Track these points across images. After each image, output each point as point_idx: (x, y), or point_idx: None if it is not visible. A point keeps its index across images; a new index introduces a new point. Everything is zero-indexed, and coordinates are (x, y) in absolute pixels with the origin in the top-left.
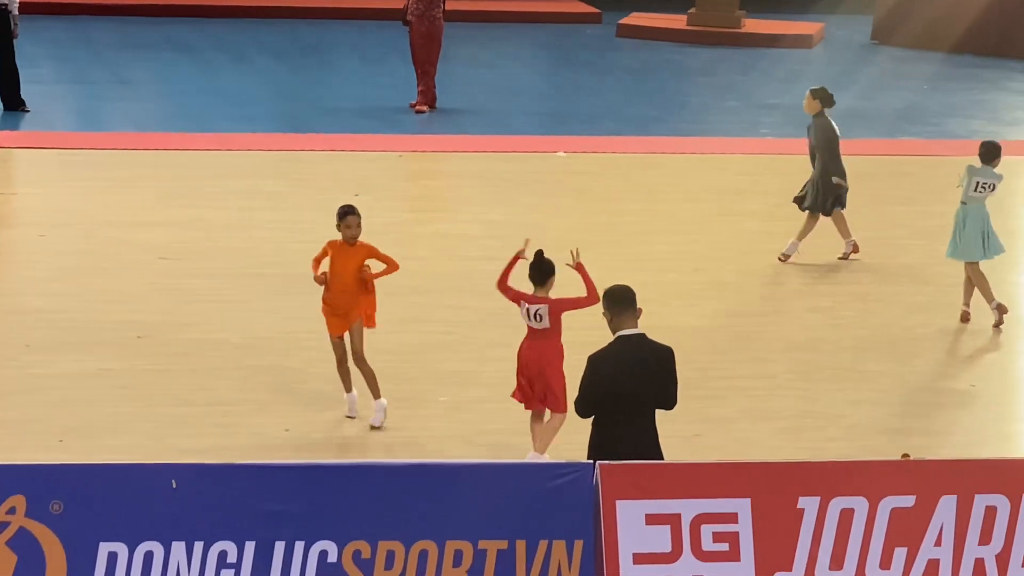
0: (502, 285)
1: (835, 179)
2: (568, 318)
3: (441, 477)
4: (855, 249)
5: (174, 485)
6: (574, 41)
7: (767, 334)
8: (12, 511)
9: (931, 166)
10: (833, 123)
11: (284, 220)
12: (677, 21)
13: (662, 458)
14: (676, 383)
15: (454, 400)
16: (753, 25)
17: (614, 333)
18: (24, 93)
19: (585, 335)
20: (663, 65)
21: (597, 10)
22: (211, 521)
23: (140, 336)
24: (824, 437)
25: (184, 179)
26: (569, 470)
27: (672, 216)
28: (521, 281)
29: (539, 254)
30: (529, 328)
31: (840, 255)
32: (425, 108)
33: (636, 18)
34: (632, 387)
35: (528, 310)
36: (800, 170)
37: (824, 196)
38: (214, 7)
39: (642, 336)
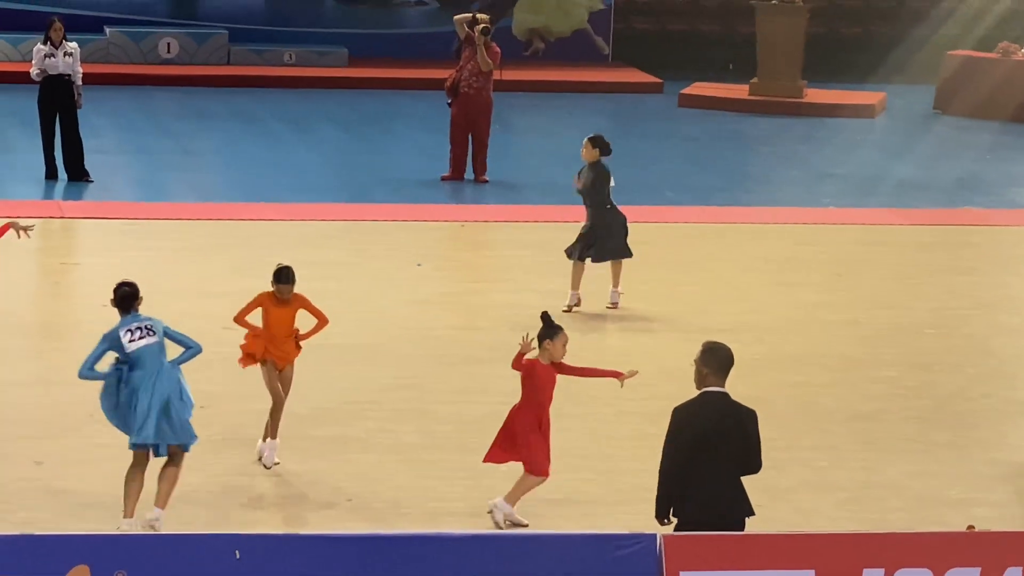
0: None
1: (585, 226)
2: (630, 389)
3: (505, 548)
4: (578, 303)
5: (237, 555)
6: (636, 110)
7: (829, 404)
8: None
9: (994, 236)
10: (609, 172)
11: (345, 290)
12: (739, 91)
13: (752, 512)
14: (759, 446)
15: (516, 470)
16: (815, 95)
17: (699, 388)
18: (88, 163)
19: (646, 405)
20: (724, 134)
21: (659, 79)
22: None
23: (203, 406)
24: (887, 508)
25: (246, 249)
26: (633, 541)
27: (732, 286)
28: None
29: (543, 315)
30: None
31: (565, 307)
32: (487, 179)
33: (698, 88)
34: (715, 441)
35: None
36: (862, 238)
37: (612, 240)
38: (276, 78)
39: (727, 395)
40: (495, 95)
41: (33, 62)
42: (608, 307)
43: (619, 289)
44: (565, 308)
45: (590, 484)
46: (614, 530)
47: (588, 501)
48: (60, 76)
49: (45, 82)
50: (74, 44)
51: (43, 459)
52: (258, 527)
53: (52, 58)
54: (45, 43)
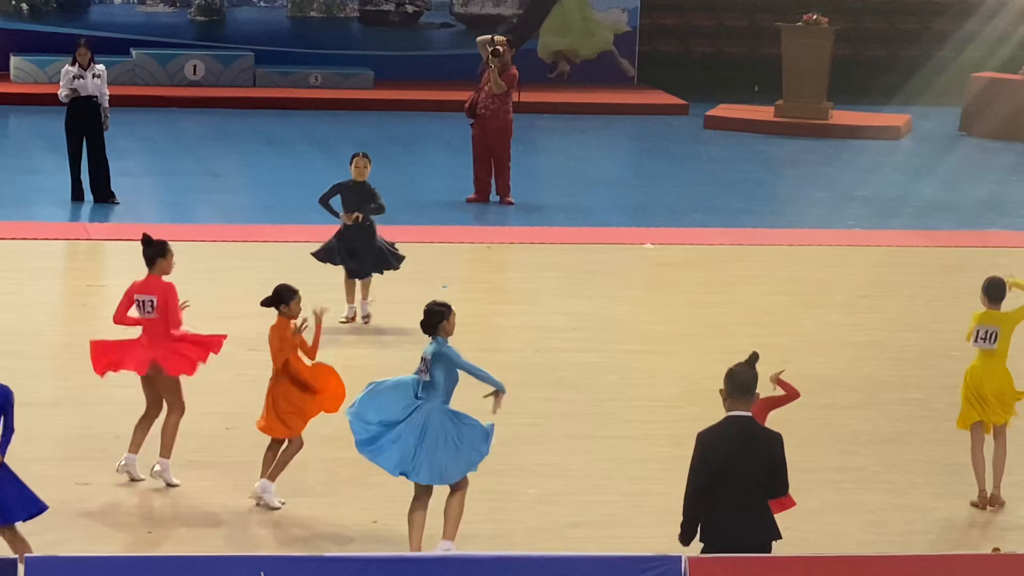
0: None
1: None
2: (656, 412)
3: (530, 570)
4: (353, 317)
5: None
6: (661, 132)
7: (855, 426)
8: None
9: (1019, 258)
10: (377, 192)
11: (369, 312)
12: (764, 112)
13: (779, 535)
14: (786, 470)
15: (542, 492)
16: (840, 117)
17: (727, 412)
18: (114, 185)
19: (671, 427)
20: (750, 156)
21: (684, 101)
22: None
23: (228, 428)
24: (913, 531)
25: (271, 271)
26: (658, 563)
27: (757, 308)
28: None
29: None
30: None
31: (343, 319)
32: (512, 200)
33: (723, 110)
34: (739, 466)
35: None
36: (887, 260)
37: (385, 255)
38: (302, 99)
39: (751, 419)
40: (518, 117)
41: (61, 83)
42: (341, 321)
43: (368, 300)
44: (342, 320)
45: (615, 506)
46: (639, 552)
47: (613, 523)
48: (88, 98)
49: (73, 104)
50: (101, 66)
51: (71, 480)
52: (283, 549)
53: (81, 79)
54: (73, 65)
